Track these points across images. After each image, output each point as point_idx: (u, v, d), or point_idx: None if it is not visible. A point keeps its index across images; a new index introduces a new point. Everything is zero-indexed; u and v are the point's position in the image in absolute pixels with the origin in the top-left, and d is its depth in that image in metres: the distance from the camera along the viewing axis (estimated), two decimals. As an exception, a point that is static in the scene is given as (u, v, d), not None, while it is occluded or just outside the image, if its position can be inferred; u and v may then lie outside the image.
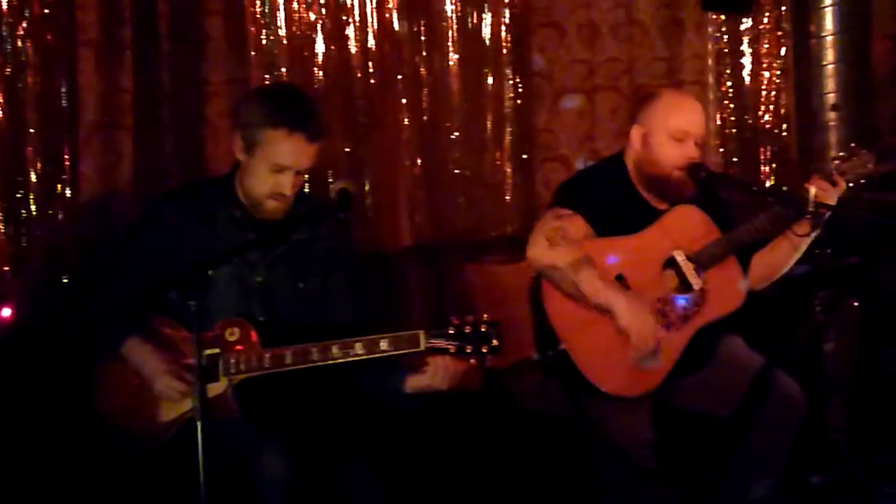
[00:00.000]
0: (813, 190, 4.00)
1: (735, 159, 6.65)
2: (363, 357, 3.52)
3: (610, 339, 4.04)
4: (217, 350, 3.55)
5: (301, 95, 3.85)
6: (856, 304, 5.44)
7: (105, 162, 5.05)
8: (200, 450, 3.03)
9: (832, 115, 6.27)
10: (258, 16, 5.41)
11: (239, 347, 3.58)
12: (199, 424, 3.06)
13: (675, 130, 4.18)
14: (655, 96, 4.39)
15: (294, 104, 3.69)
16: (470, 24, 5.98)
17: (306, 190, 4.30)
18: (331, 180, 5.40)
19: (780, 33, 6.67)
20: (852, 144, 4.21)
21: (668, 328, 4.09)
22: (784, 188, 5.42)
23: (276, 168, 3.64)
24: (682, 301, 4.12)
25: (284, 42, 5.49)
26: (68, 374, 3.92)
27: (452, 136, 5.96)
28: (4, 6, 4.83)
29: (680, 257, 4.14)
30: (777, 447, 4.17)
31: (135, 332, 3.65)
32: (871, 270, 5.46)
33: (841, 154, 4.21)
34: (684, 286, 4.15)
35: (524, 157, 6.17)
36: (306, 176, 3.78)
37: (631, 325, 3.99)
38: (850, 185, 4.13)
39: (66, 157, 4.98)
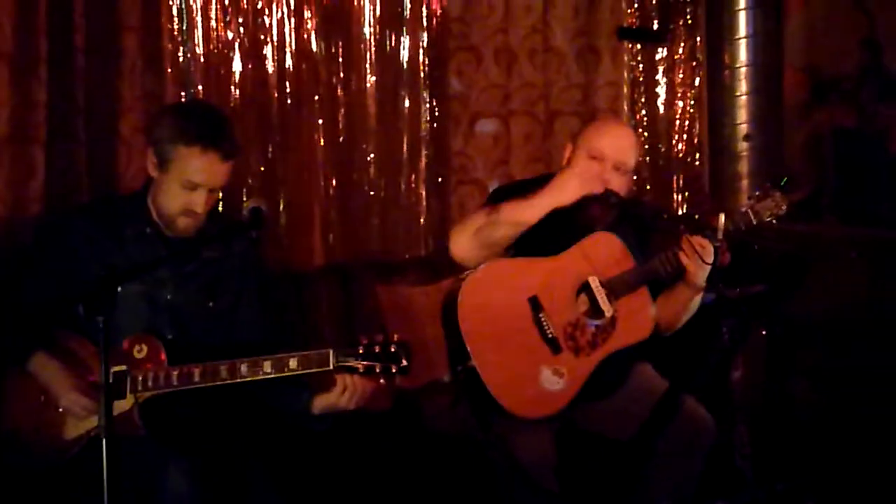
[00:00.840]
0: (722, 218, 4.05)
1: (648, 187, 6.73)
2: (272, 376, 3.52)
3: (519, 360, 4.07)
4: (124, 367, 3.52)
5: (216, 113, 3.82)
6: (763, 332, 5.50)
7: (16, 176, 4.95)
8: (105, 467, 2.99)
9: (744, 144, 6.37)
10: (175, 32, 5.36)
11: (147, 365, 3.55)
12: (104, 441, 3.02)
13: (593, 149, 4.20)
14: (594, 120, 4.49)
15: (208, 122, 3.67)
16: (388, 47, 6.00)
17: (220, 209, 4.28)
18: (245, 199, 5.37)
19: (694, 63, 6.79)
20: (766, 185, 4.23)
21: (576, 353, 4.12)
22: (696, 216, 5.47)
23: (189, 185, 3.62)
24: (592, 327, 4.16)
25: (201, 59, 5.45)
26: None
27: (368, 158, 5.98)
28: (-83, 16, 4.77)
29: (594, 283, 4.16)
30: (685, 473, 4.22)
31: (41, 347, 3.60)
32: (781, 301, 5.53)
33: (756, 194, 4.24)
34: (595, 312, 4.18)
35: (439, 179, 6.20)
36: (220, 194, 3.78)
37: (569, 194, 4.08)
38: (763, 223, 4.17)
39: (-24, 170, 4.91)
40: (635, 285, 4.20)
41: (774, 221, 4.14)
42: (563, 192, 4.08)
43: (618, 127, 4.57)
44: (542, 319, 4.12)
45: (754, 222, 4.11)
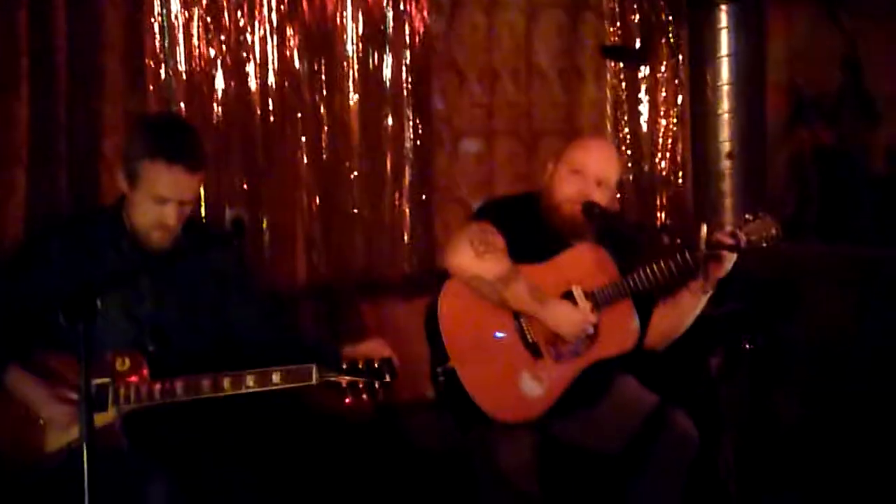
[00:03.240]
0: (704, 228, 4.05)
1: (631, 205, 6.74)
2: (254, 390, 3.53)
3: (499, 364, 4.10)
4: (107, 380, 3.52)
5: (180, 126, 3.84)
6: (748, 347, 5.51)
7: (-3, 196, 4.96)
8: (85, 475, 2.95)
9: (727, 162, 6.36)
10: (157, 50, 5.35)
11: (130, 378, 3.55)
12: (84, 451, 2.99)
13: (574, 163, 4.24)
14: (577, 138, 4.52)
15: (172, 136, 3.67)
16: (371, 65, 6.00)
17: (203, 219, 4.25)
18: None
19: (676, 82, 6.81)
20: (759, 212, 4.23)
21: (557, 359, 4.14)
22: (677, 228, 5.49)
23: (159, 200, 3.62)
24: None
25: (183, 77, 5.43)
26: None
27: (352, 177, 5.97)
28: None
29: (577, 292, 4.17)
30: (670, 486, 4.22)
31: (16, 361, 3.57)
32: (773, 321, 5.54)
33: (747, 217, 4.25)
34: (578, 322, 4.18)
35: (423, 198, 6.19)
36: (192, 205, 3.76)
37: (560, 328, 4.11)
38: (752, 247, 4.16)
39: (-42, 190, 4.89)
40: (619, 297, 4.20)
41: (765, 245, 4.14)
42: (553, 323, 4.12)
43: (599, 142, 4.66)
44: (524, 324, 4.13)
45: (743, 246, 4.10)
